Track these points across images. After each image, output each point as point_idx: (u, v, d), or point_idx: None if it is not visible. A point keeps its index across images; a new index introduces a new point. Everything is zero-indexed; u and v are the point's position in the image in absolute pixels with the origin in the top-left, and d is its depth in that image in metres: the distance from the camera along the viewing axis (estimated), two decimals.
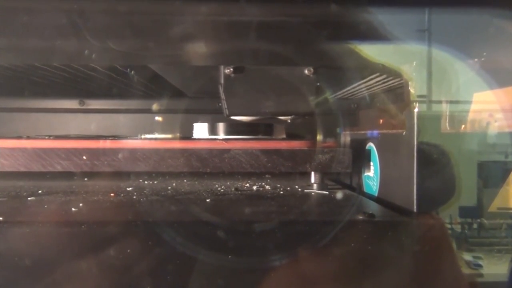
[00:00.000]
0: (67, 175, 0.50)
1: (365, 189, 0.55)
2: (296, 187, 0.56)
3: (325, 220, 0.38)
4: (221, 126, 0.55)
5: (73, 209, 0.40)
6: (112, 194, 0.48)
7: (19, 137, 0.55)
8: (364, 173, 0.55)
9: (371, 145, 0.53)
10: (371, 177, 0.52)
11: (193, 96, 0.68)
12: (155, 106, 0.70)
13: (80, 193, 0.49)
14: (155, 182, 0.59)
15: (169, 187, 0.54)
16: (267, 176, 0.63)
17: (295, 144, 0.51)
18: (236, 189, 0.54)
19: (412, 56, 0.42)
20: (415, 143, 0.40)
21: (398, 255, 0.36)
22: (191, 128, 0.58)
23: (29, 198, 0.46)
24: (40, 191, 0.50)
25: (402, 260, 0.36)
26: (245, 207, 0.44)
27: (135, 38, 0.38)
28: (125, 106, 0.72)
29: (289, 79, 0.46)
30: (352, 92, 0.59)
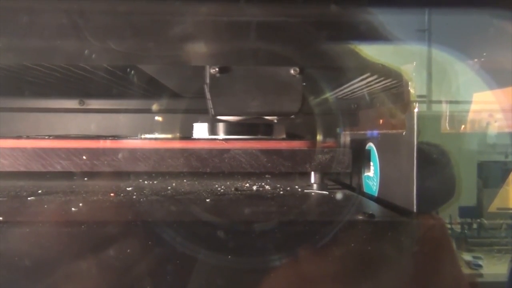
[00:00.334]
0: (67, 175, 0.50)
1: (365, 189, 0.55)
2: (296, 187, 0.56)
3: (325, 220, 0.38)
4: (221, 126, 0.55)
5: (73, 209, 0.40)
6: (112, 194, 0.48)
7: (19, 137, 0.55)
8: (364, 173, 0.55)
9: (371, 145, 0.53)
10: (371, 177, 0.52)
11: (192, 96, 0.68)
12: (155, 106, 0.70)
13: (80, 193, 0.49)
14: (155, 182, 0.59)
15: (169, 187, 0.54)
16: (267, 176, 0.63)
17: (295, 144, 0.51)
18: (236, 189, 0.54)
19: (412, 56, 0.42)
20: (415, 143, 0.40)
21: (398, 256, 0.36)
22: (191, 128, 0.58)
23: (29, 198, 0.46)
24: (40, 191, 0.50)
25: (402, 260, 0.36)
26: (245, 207, 0.44)
27: (134, 38, 0.38)
28: (125, 106, 0.72)
29: (275, 79, 0.46)
30: (345, 92, 0.59)
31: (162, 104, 0.69)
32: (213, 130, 0.55)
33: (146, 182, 0.59)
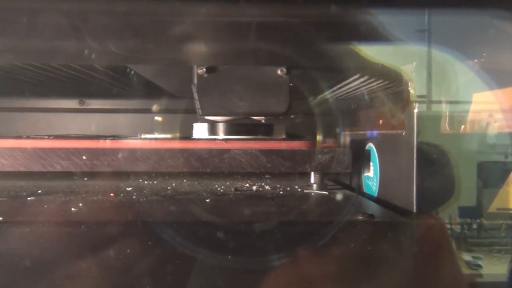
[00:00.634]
0: (67, 175, 0.50)
1: (365, 190, 0.55)
2: (296, 187, 0.56)
3: (324, 220, 0.38)
4: (221, 126, 0.55)
5: (72, 209, 0.40)
6: (111, 194, 0.48)
7: (19, 137, 0.55)
8: (363, 173, 0.55)
9: (370, 146, 0.53)
10: (371, 177, 0.52)
11: (192, 97, 0.68)
12: (155, 107, 0.70)
13: (80, 193, 0.49)
14: (155, 182, 0.59)
15: (169, 187, 0.54)
16: (266, 176, 0.63)
17: (295, 145, 0.51)
18: (236, 189, 0.54)
19: (412, 57, 0.42)
20: (415, 143, 0.40)
21: (398, 256, 0.36)
22: (191, 128, 0.58)
23: (29, 198, 0.46)
24: (40, 191, 0.50)
25: (402, 260, 0.36)
26: (244, 207, 0.44)
27: (132, 39, 0.38)
28: (124, 106, 0.71)
29: (262, 80, 0.46)
30: (344, 92, 0.59)
31: (162, 104, 0.69)
32: (213, 130, 0.55)
33: (146, 182, 0.59)
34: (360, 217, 0.38)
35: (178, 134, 0.65)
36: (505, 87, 0.44)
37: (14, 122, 0.71)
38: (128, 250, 0.34)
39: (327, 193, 0.52)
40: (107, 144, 0.49)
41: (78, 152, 0.47)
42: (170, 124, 0.69)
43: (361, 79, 0.50)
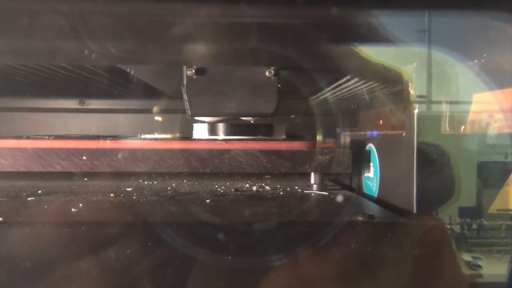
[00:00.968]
0: (67, 175, 0.50)
1: (365, 190, 0.55)
2: (296, 187, 0.56)
3: (324, 221, 0.38)
4: (221, 126, 0.55)
5: (72, 209, 0.40)
6: (112, 195, 0.48)
7: (19, 137, 0.55)
8: (363, 174, 0.55)
9: (371, 146, 0.53)
10: (371, 178, 0.52)
11: None
12: (155, 108, 0.70)
13: (80, 193, 0.49)
14: (155, 182, 0.59)
15: (169, 188, 0.54)
16: (266, 176, 0.63)
17: (295, 145, 0.51)
18: (236, 189, 0.54)
19: (412, 57, 0.42)
20: (415, 144, 0.40)
21: (398, 256, 0.36)
22: (191, 128, 0.58)
23: (29, 198, 0.46)
24: (40, 191, 0.50)
25: (402, 261, 0.36)
26: (244, 207, 0.44)
27: (131, 40, 0.38)
28: (124, 106, 0.72)
29: (251, 81, 0.47)
30: (344, 92, 0.59)
31: (162, 104, 0.69)
32: (213, 131, 0.55)
33: (146, 182, 0.59)
34: (360, 218, 0.38)
35: (178, 134, 0.65)
36: (505, 88, 0.44)
37: (14, 122, 0.71)
38: (128, 251, 0.34)
39: (327, 193, 0.52)
40: (107, 144, 0.49)
41: (78, 152, 0.47)
42: (170, 124, 0.69)
43: (361, 80, 0.50)
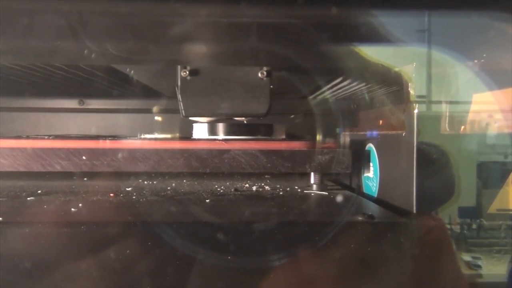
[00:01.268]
0: (66, 175, 0.50)
1: (365, 190, 0.55)
2: (296, 187, 0.56)
3: (324, 221, 0.38)
4: (220, 126, 0.55)
5: (72, 209, 0.40)
6: (111, 194, 0.48)
7: (19, 137, 0.55)
8: (363, 173, 0.55)
9: (370, 146, 0.53)
10: (371, 178, 0.52)
11: None
12: (155, 109, 0.70)
13: (79, 193, 0.49)
14: (155, 182, 0.59)
15: (169, 188, 0.54)
16: (266, 176, 0.63)
17: (295, 145, 0.51)
18: (236, 189, 0.54)
19: (411, 57, 0.42)
20: (415, 144, 0.40)
21: (398, 256, 0.36)
22: (191, 128, 0.58)
23: (28, 198, 0.46)
24: (39, 191, 0.50)
25: (402, 261, 0.36)
26: (244, 207, 0.44)
27: (131, 40, 0.38)
28: (124, 106, 0.72)
29: (243, 82, 0.48)
30: (343, 92, 0.60)
31: (161, 104, 0.69)
32: (212, 131, 0.55)
33: (145, 182, 0.59)
34: (360, 218, 0.38)
35: (178, 134, 0.65)
36: (505, 88, 0.44)
37: (14, 122, 0.71)
38: (128, 251, 0.34)
39: (327, 193, 0.52)
40: (107, 144, 0.49)
41: (78, 152, 0.47)
42: (170, 124, 0.69)
43: (360, 80, 0.50)
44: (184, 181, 0.61)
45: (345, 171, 0.50)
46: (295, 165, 0.49)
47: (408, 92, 0.42)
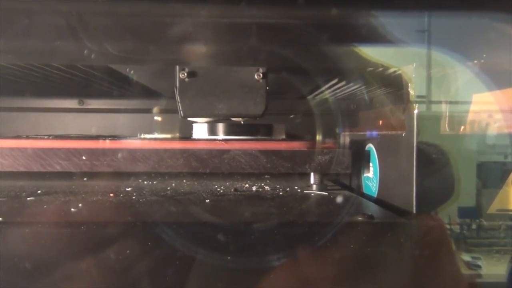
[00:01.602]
0: (66, 175, 0.50)
1: (365, 190, 0.55)
2: (296, 187, 0.56)
3: (324, 221, 0.38)
4: (220, 126, 0.55)
5: (72, 209, 0.40)
6: (111, 195, 0.48)
7: (19, 137, 0.55)
8: (363, 174, 0.55)
9: (370, 146, 0.53)
10: (371, 178, 0.52)
11: None
12: (155, 109, 0.70)
13: (79, 193, 0.49)
14: (155, 182, 0.59)
15: (169, 188, 0.54)
16: (266, 176, 0.63)
17: (295, 145, 0.51)
18: (236, 189, 0.54)
19: (411, 57, 0.42)
20: (415, 144, 0.40)
21: (398, 257, 0.36)
22: (191, 128, 0.58)
23: (28, 198, 0.46)
24: (39, 191, 0.50)
25: (402, 261, 0.36)
26: (244, 208, 0.44)
27: (130, 40, 0.38)
28: (124, 106, 0.72)
29: (240, 84, 0.49)
30: (343, 92, 0.60)
31: (161, 104, 0.69)
32: (212, 131, 0.55)
33: (145, 182, 0.59)
34: (360, 218, 0.38)
35: (178, 134, 0.65)
36: (505, 88, 0.45)
37: (14, 122, 0.71)
38: (128, 251, 0.34)
39: (326, 193, 0.52)
40: (107, 144, 0.49)
41: (77, 152, 0.47)
42: (170, 124, 0.69)
43: (360, 80, 0.51)
44: (184, 181, 0.61)
45: (345, 171, 0.50)
46: (295, 165, 0.49)
47: (408, 92, 0.42)
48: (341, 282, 0.35)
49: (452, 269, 0.38)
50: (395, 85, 0.46)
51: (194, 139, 0.55)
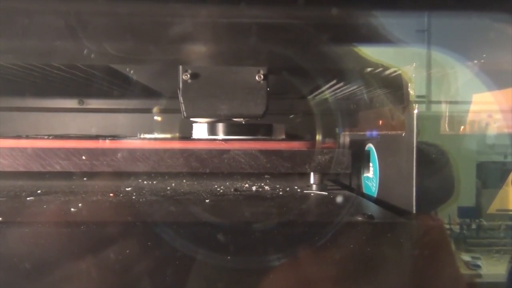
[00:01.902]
0: (66, 175, 0.50)
1: (364, 190, 0.55)
2: (295, 187, 0.56)
3: (324, 221, 0.38)
4: (220, 126, 0.55)
5: (72, 209, 0.40)
6: (111, 194, 0.48)
7: (19, 137, 0.55)
8: (363, 174, 0.55)
9: (370, 146, 0.53)
10: (370, 178, 0.52)
11: None
12: (155, 109, 0.70)
13: (79, 193, 0.49)
14: (154, 182, 0.59)
15: (168, 188, 0.54)
16: (266, 176, 0.63)
17: (295, 145, 0.51)
18: (235, 189, 0.54)
19: (411, 57, 0.42)
20: (415, 144, 0.40)
21: (397, 257, 0.36)
22: (191, 128, 0.58)
23: (28, 198, 0.46)
24: (39, 191, 0.50)
25: (401, 261, 0.36)
26: (244, 207, 0.44)
27: (130, 40, 0.39)
28: (124, 106, 0.72)
29: (241, 85, 0.50)
30: (343, 92, 0.60)
31: (161, 104, 0.69)
32: (212, 131, 0.55)
33: (145, 182, 0.59)
34: (360, 218, 0.38)
35: (177, 134, 0.65)
36: (505, 88, 0.45)
37: (14, 122, 0.71)
38: (128, 251, 0.34)
39: (326, 193, 0.52)
40: (107, 144, 0.49)
41: (77, 152, 0.47)
42: (169, 124, 0.69)
43: (360, 81, 0.51)
44: (184, 181, 0.61)
45: (344, 171, 0.50)
46: (295, 165, 0.49)
47: (408, 92, 0.42)
48: (341, 282, 0.35)
49: (452, 269, 0.38)
50: (395, 85, 0.46)
51: (194, 139, 0.55)
